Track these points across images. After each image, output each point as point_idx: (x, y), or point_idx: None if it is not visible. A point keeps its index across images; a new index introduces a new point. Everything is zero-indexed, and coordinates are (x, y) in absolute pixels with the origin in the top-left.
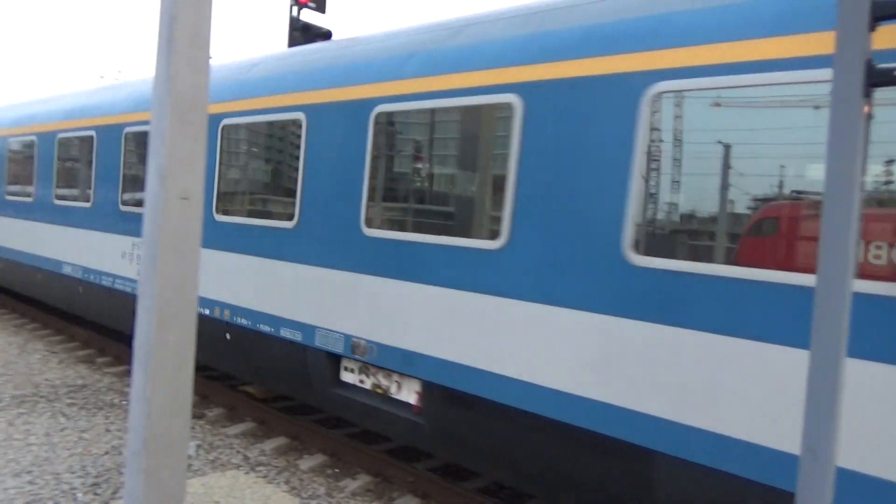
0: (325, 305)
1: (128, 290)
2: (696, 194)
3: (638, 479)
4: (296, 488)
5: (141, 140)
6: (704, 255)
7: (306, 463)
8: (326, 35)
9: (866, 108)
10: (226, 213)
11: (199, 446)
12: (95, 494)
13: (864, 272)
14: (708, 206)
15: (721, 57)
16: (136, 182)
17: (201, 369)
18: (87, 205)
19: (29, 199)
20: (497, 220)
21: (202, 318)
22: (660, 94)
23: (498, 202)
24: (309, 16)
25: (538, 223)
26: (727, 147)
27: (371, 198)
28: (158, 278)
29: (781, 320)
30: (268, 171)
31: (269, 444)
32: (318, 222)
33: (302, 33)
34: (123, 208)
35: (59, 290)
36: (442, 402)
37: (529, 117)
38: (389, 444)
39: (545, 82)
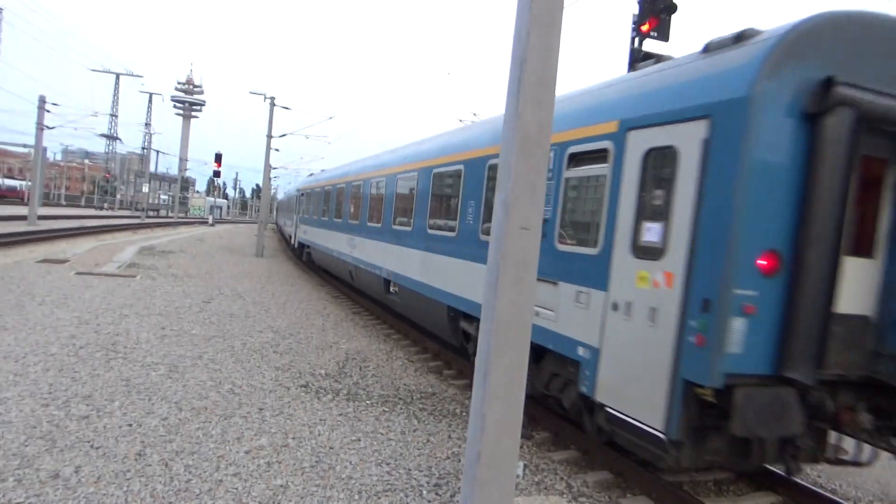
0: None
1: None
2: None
3: (447, 312)
4: None
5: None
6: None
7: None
8: None
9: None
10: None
11: (526, 466)
12: (437, 494)
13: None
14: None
15: None
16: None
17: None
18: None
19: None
20: (454, 221)
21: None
22: (493, 165)
23: (454, 213)
24: (651, 45)
25: (464, 222)
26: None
27: (485, 219)
28: (498, 303)
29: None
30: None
31: (592, 477)
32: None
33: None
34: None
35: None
36: (401, 289)
37: (465, 175)
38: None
39: (471, 160)
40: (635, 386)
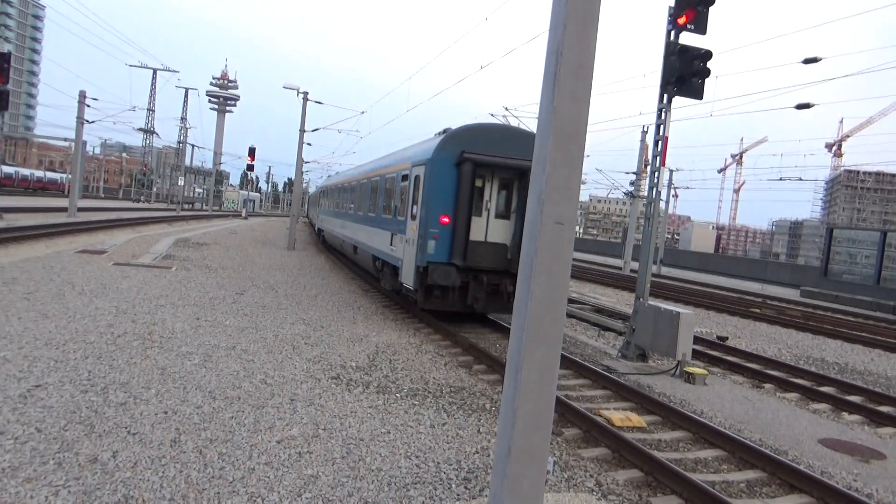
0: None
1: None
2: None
3: (373, 258)
4: None
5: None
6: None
7: (660, 503)
8: (706, 56)
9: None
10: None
11: (556, 462)
12: (466, 488)
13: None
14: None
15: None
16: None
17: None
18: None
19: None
20: (397, 211)
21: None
22: (406, 176)
23: (373, 206)
24: (688, 38)
25: (377, 209)
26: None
27: (384, 209)
28: (532, 298)
29: (379, 225)
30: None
31: (623, 475)
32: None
33: (679, 57)
34: (384, 215)
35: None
36: (359, 250)
37: (378, 184)
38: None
39: (378, 176)
40: (407, 271)
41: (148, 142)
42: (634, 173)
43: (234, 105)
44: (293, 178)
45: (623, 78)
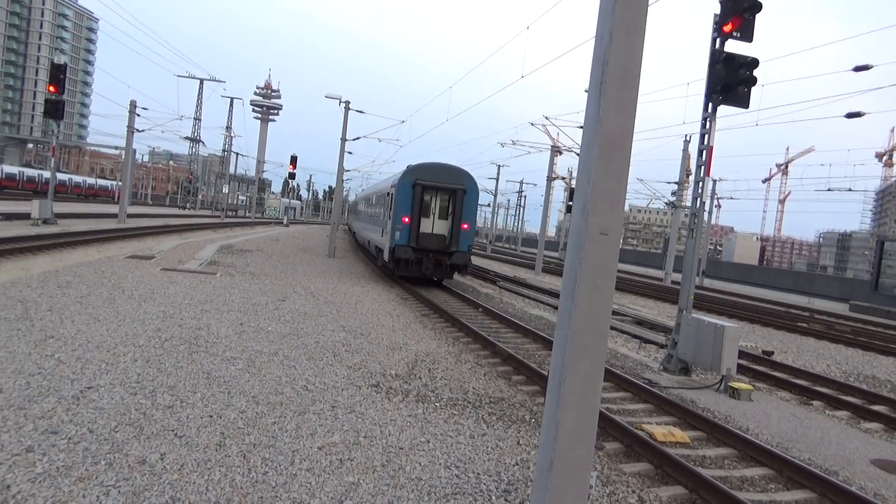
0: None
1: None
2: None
3: (374, 247)
4: None
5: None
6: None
7: None
8: (752, 64)
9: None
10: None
11: (598, 477)
12: (506, 500)
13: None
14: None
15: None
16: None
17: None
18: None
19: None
20: (384, 215)
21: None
22: (388, 194)
23: (383, 214)
24: (734, 46)
25: (377, 214)
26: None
27: (383, 214)
28: (576, 309)
29: (379, 227)
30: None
31: (666, 492)
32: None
33: (724, 65)
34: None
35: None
36: (368, 243)
37: (375, 198)
38: None
39: (374, 193)
40: (386, 251)
41: (194, 150)
42: (676, 183)
43: (277, 114)
44: (333, 186)
45: (665, 87)
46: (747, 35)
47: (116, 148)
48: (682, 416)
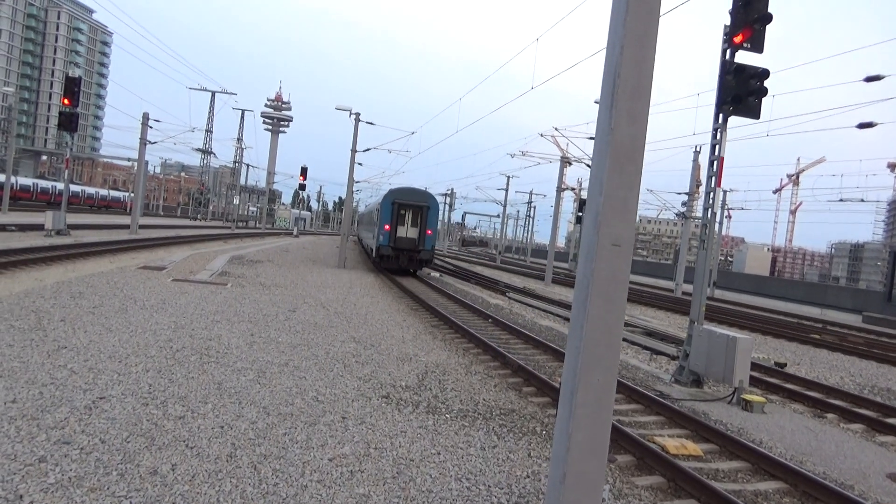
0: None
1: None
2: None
3: (370, 249)
4: None
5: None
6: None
7: None
8: (763, 75)
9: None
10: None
11: (610, 490)
12: None
13: None
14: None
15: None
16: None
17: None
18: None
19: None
20: (375, 224)
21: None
22: (377, 209)
23: (374, 224)
24: (744, 57)
25: (374, 224)
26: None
27: (376, 224)
28: (588, 320)
29: (374, 232)
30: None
31: None
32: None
33: (735, 76)
34: (372, 229)
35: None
36: (366, 247)
37: (371, 212)
38: None
39: (369, 209)
40: (375, 249)
41: (205, 161)
42: (686, 193)
43: (288, 125)
44: (343, 197)
45: (675, 97)
46: (758, 46)
47: (129, 160)
48: (695, 429)
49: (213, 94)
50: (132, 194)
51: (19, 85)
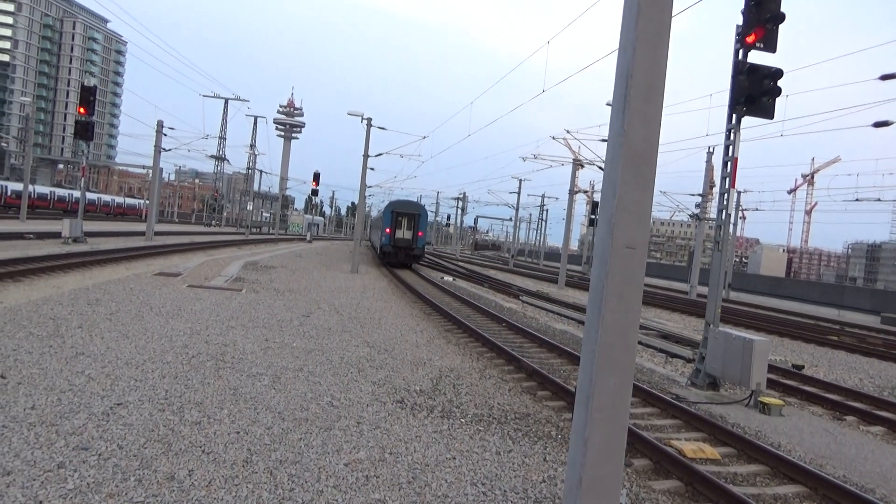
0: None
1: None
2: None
3: (375, 247)
4: None
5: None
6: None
7: None
8: (776, 75)
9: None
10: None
11: (627, 494)
12: None
13: None
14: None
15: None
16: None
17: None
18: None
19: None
20: (380, 228)
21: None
22: (380, 217)
23: (379, 228)
24: (757, 57)
25: (379, 228)
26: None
27: (381, 228)
28: (603, 324)
29: (378, 235)
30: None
31: None
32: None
33: (748, 76)
34: (378, 233)
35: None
36: (373, 245)
37: (375, 219)
38: None
39: (377, 216)
40: (379, 248)
41: (219, 168)
42: (700, 195)
43: (300, 131)
44: (356, 202)
45: (688, 98)
46: (771, 46)
47: (144, 167)
48: (712, 432)
49: (227, 101)
50: (147, 201)
51: (36, 94)
